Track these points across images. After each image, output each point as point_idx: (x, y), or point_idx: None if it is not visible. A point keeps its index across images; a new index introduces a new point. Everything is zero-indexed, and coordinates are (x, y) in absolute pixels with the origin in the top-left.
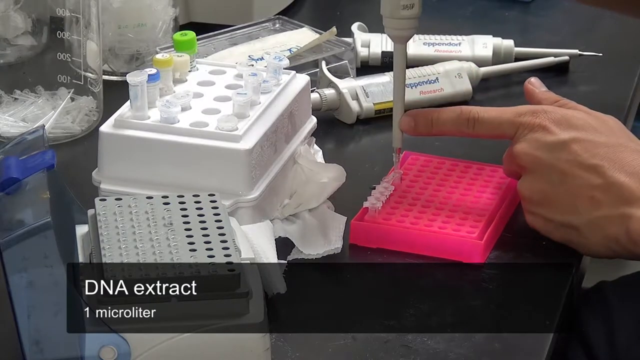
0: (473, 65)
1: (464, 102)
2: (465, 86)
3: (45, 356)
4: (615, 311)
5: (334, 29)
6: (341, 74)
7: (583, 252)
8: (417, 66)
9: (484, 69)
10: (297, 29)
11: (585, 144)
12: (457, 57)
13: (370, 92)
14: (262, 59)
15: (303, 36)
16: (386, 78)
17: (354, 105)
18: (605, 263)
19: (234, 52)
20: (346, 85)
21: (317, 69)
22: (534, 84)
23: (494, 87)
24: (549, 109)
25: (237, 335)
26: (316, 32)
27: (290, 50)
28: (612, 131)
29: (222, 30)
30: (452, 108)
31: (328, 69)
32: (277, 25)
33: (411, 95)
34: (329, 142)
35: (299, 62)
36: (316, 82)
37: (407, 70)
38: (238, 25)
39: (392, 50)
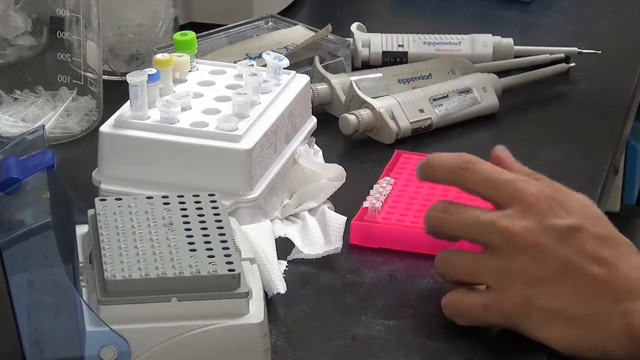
0: (466, 61)
1: None
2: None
3: (45, 356)
4: None
5: (329, 26)
6: (338, 70)
7: (572, 353)
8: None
9: (478, 65)
10: (290, 26)
11: (588, 233)
12: (457, 56)
13: (362, 87)
14: (259, 56)
15: (298, 34)
16: (379, 74)
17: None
18: None
19: (230, 51)
20: (338, 80)
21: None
22: (503, 157)
23: None
24: (546, 186)
25: (237, 335)
26: (310, 29)
27: (286, 48)
28: (599, 220)
29: (215, 30)
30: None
31: (324, 66)
32: (270, 24)
33: (404, 89)
34: (328, 142)
35: (295, 60)
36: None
37: (400, 66)
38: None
39: (393, 50)
